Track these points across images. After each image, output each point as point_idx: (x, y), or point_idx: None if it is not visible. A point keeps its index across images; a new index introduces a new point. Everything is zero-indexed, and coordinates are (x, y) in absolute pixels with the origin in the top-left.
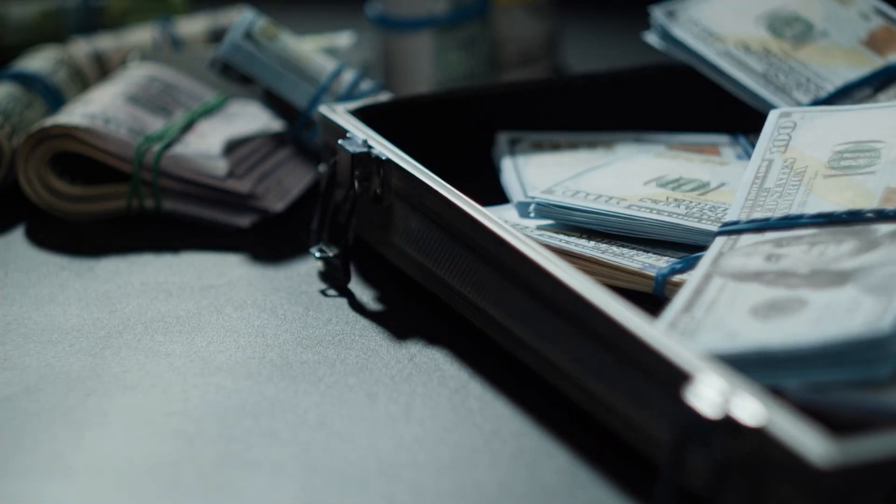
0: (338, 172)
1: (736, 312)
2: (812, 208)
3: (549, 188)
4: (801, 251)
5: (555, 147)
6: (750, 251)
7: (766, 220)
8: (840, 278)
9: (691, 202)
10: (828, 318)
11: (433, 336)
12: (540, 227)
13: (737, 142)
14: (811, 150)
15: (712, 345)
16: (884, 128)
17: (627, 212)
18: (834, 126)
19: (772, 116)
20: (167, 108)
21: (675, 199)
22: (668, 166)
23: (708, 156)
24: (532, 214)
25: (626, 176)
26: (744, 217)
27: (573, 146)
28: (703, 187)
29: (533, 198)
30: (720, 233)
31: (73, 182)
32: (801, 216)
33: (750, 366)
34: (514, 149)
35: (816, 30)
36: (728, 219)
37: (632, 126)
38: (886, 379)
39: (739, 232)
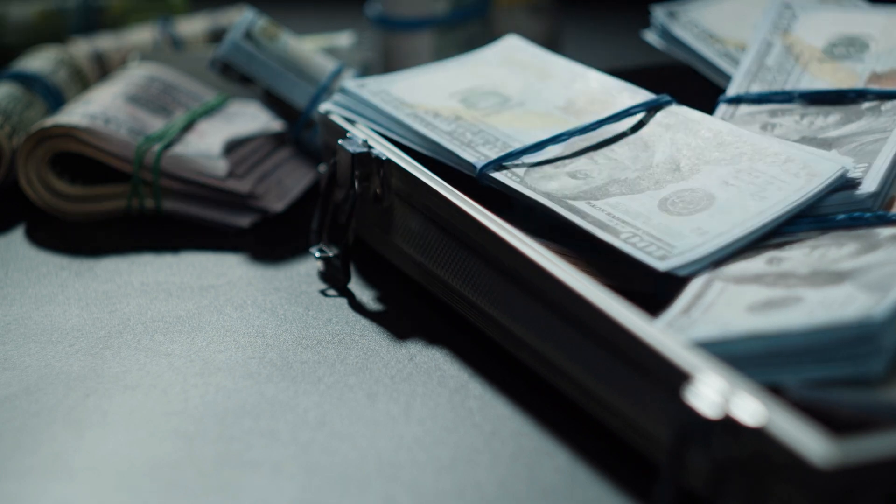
0: (338, 172)
1: (732, 310)
2: (805, 85)
3: (363, 83)
4: (802, 254)
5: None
6: (752, 254)
7: (768, 93)
8: (838, 277)
9: (473, 124)
10: (821, 311)
11: (433, 336)
12: (329, 111)
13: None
14: (809, 38)
15: (704, 334)
16: (876, 26)
17: (405, 120)
18: (831, 20)
19: (775, 5)
20: (167, 108)
21: (458, 118)
22: (491, 76)
23: (542, 69)
24: (330, 103)
25: (444, 83)
26: (744, 89)
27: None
28: (501, 105)
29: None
30: (722, 101)
31: (73, 182)
32: (796, 91)
33: (742, 358)
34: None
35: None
36: (730, 91)
37: None
38: (880, 374)
39: (738, 101)
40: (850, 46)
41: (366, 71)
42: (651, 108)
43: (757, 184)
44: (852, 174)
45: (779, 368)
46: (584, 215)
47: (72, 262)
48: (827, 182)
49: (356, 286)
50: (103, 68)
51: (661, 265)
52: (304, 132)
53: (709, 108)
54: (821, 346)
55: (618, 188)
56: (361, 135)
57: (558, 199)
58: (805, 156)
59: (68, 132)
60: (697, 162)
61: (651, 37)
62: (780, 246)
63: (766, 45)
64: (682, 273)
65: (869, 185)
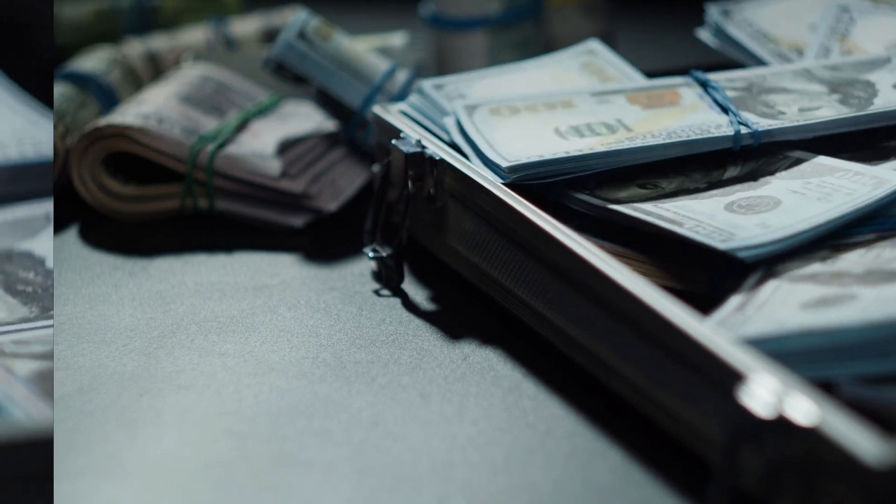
0: (391, 172)
1: (786, 307)
2: None
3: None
4: (857, 255)
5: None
6: (806, 254)
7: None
8: (893, 276)
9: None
10: (876, 307)
11: (486, 336)
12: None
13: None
14: (866, 44)
15: (757, 331)
16: None
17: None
18: (888, 25)
19: (832, 9)
20: (221, 108)
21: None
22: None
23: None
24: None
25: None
26: None
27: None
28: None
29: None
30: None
31: (126, 182)
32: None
33: (796, 354)
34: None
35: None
36: None
37: None
38: None
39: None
40: None
41: (419, 71)
42: None
43: (824, 191)
44: None
45: (833, 364)
46: (648, 213)
47: (125, 262)
48: (895, 188)
49: (410, 286)
50: (157, 68)
51: (723, 245)
52: (357, 132)
53: None
54: (876, 340)
55: (686, 194)
56: (415, 135)
57: (626, 204)
58: (875, 170)
59: (122, 132)
60: (769, 177)
61: (705, 35)
62: (835, 247)
63: (823, 50)
64: (742, 255)
65: None
